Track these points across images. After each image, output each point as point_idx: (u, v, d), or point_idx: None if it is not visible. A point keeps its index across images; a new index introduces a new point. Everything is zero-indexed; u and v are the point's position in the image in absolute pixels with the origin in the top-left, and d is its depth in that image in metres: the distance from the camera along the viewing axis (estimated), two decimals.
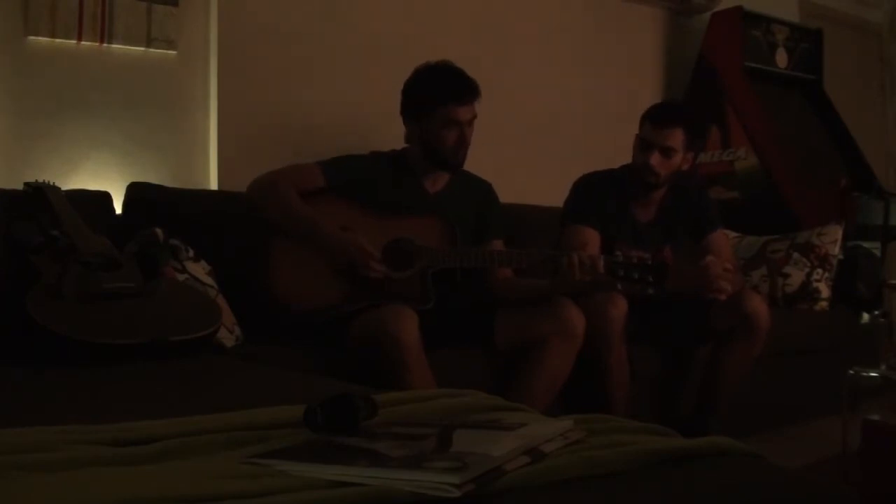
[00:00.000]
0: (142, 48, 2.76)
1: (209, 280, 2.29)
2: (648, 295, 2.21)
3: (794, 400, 3.23)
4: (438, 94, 2.41)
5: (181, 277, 2.22)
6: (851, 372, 2.46)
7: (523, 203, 3.21)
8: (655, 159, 2.65)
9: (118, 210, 2.53)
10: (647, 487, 1.01)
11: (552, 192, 2.97)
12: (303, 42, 3.11)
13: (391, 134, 2.56)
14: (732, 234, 3.54)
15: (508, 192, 2.77)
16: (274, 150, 2.83)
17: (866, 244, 3.84)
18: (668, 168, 2.67)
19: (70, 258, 1.99)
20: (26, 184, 2.29)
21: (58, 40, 2.60)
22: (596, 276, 2.21)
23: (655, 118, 2.69)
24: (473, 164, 2.62)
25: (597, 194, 2.75)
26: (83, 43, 2.64)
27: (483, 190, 2.65)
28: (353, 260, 2.26)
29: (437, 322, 2.24)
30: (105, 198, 2.50)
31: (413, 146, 2.51)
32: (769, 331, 2.60)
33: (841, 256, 3.56)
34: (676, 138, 2.65)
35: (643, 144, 2.68)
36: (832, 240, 3.52)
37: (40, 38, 2.58)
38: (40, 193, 2.23)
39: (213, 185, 2.93)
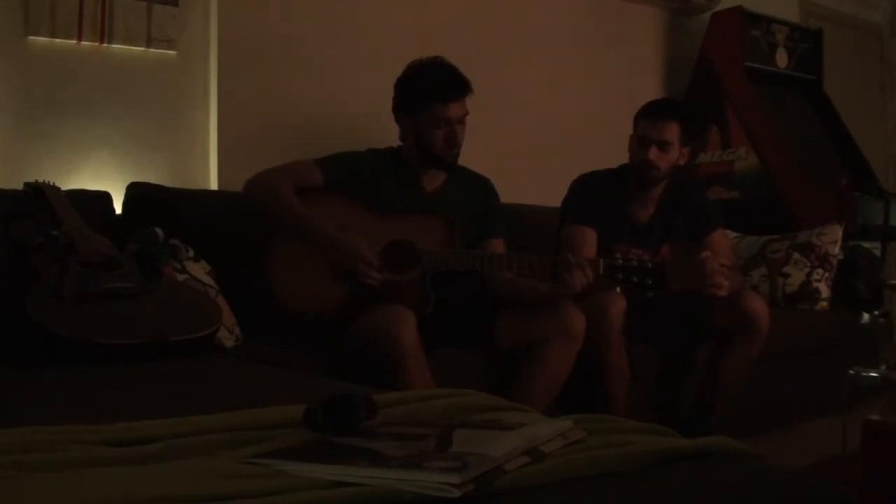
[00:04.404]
0: (142, 48, 2.76)
1: (209, 280, 2.29)
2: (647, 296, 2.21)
3: (794, 400, 3.23)
4: (427, 91, 2.39)
5: (181, 277, 2.21)
6: (851, 372, 2.45)
7: (523, 203, 3.21)
8: (653, 153, 2.66)
9: (118, 210, 2.53)
10: (647, 487, 1.01)
11: (552, 192, 2.97)
12: (302, 42, 3.11)
13: (392, 132, 2.55)
14: (732, 234, 3.54)
15: (508, 192, 2.77)
16: (274, 149, 2.83)
17: (866, 244, 3.84)
18: (667, 162, 2.68)
19: (70, 258, 1.99)
20: (26, 184, 2.29)
21: (58, 40, 2.60)
22: (594, 282, 2.21)
23: (650, 113, 2.71)
24: (473, 164, 2.62)
25: (595, 194, 2.75)
26: (83, 43, 2.64)
27: (482, 187, 2.64)
28: (351, 266, 2.25)
29: (437, 322, 2.24)
30: (105, 198, 2.50)
31: (408, 144, 2.51)
32: (769, 331, 2.60)
33: (841, 256, 3.56)
34: (672, 131, 2.66)
35: (640, 141, 2.70)
36: (832, 240, 3.52)
37: (40, 38, 2.58)
38: (40, 193, 2.23)
39: (213, 185, 2.93)
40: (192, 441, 1.09)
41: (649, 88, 4.24)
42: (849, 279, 3.61)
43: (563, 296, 2.30)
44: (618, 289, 2.32)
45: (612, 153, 2.91)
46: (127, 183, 2.59)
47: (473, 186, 2.61)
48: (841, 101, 4.57)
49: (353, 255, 2.24)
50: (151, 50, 2.78)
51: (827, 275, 3.49)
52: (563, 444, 1.08)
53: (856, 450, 2.19)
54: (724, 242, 2.87)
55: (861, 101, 5.18)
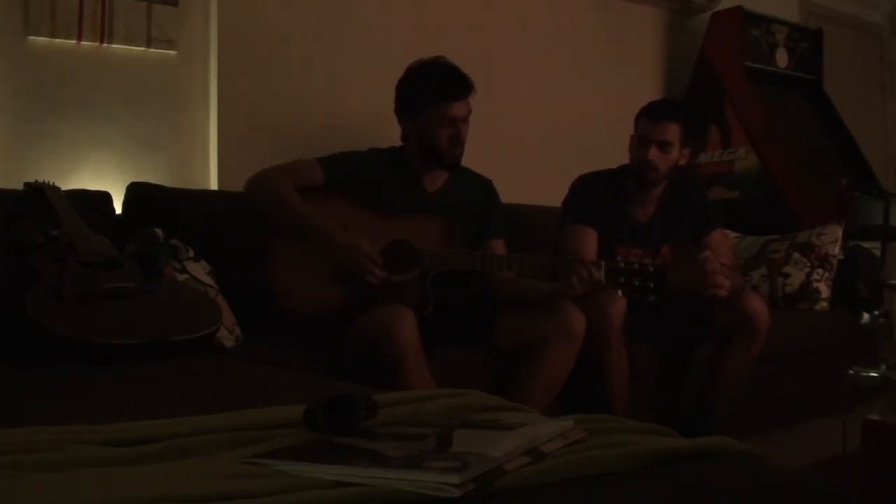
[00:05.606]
0: (142, 48, 2.76)
1: (209, 280, 2.29)
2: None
3: (794, 400, 3.23)
4: (431, 91, 2.39)
5: (181, 277, 2.21)
6: (851, 372, 2.45)
7: (523, 203, 3.21)
8: (653, 154, 2.66)
9: (118, 210, 2.53)
10: (647, 487, 1.01)
11: (552, 192, 2.97)
12: (303, 42, 3.11)
13: (392, 133, 2.56)
14: (732, 234, 3.54)
15: (509, 192, 2.77)
16: (274, 150, 2.83)
17: (866, 244, 3.84)
18: (667, 163, 2.69)
19: (70, 258, 1.99)
20: (26, 184, 2.29)
21: (58, 40, 2.60)
22: (596, 285, 2.21)
23: (651, 113, 2.71)
24: (474, 164, 2.62)
25: (595, 194, 2.75)
26: (83, 43, 2.64)
27: (483, 187, 2.64)
28: (353, 263, 2.24)
29: (437, 322, 2.24)
30: (105, 198, 2.50)
31: (410, 144, 2.51)
32: (769, 331, 2.60)
33: (841, 256, 3.56)
34: (673, 132, 2.67)
35: (640, 142, 2.70)
36: (832, 240, 3.52)
37: (40, 38, 2.58)
38: (40, 193, 2.23)
39: (213, 185, 2.93)
40: (192, 441, 1.09)
41: (649, 88, 4.24)
42: (849, 279, 3.61)
43: (563, 296, 2.30)
44: (619, 290, 2.32)
45: (612, 153, 2.92)
46: (127, 183, 2.59)
47: (474, 187, 2.62)
48: (841, 101, 4.57)
49: (354, 251, 2.23)
50: (151, 50, 2.78)
51: (827, 275, 3.48)
52: (563, 444, 1.08)
53: (856, 450, 2.19)
54: (724, 242, 2.87)
55: (861, 101, 5.17)
